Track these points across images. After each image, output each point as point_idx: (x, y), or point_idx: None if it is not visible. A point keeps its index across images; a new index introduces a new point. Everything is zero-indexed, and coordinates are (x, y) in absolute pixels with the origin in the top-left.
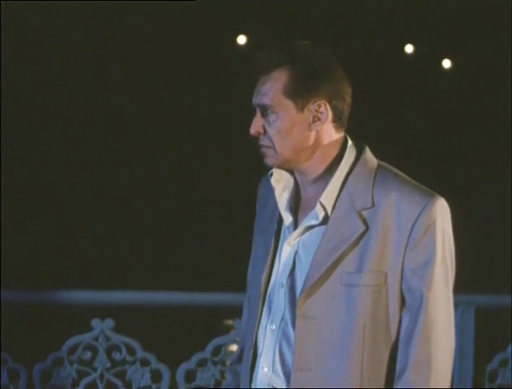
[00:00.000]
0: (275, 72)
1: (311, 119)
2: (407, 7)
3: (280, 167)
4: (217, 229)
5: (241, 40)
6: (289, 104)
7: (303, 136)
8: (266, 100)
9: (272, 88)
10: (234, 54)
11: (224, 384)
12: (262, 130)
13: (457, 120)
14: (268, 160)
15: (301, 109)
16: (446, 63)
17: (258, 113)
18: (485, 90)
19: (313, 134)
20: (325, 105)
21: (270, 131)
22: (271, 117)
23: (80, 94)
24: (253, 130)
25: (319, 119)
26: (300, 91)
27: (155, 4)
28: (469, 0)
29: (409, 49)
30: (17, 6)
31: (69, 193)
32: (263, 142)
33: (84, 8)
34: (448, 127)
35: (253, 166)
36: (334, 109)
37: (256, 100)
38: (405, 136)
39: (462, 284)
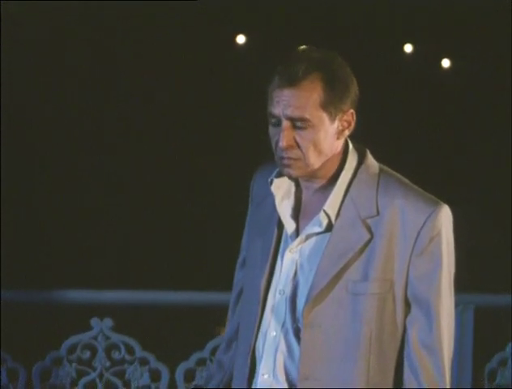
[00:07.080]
0: (305, 82)
1: (340, 128)
2: (406, 6)
3: (302, 177)
4: (217, 228)
5: (241, 39)
6: (324, 117)
7: (332, 146)
8: (302, 113)
9: (308, 101)
10: (233, 54)
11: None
12: (294, 143)
13: (456, 120)
14: (294, 172)
15: (333, 120)
16: (445, 63)
17: (287, 125)
18: (485, 90)
19: (337, 143)
20: (352, 114)
21: (304, 144)
22: (307, 130)
23: (79, 94)
24: (285, 144)
25: (347, 128)
26: (335, 102)
27: (152, 4)
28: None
29: (408, 48)
30: (17, 7)
31: (65, 192)
32: (292, 154)
33: (82, 9)
34: (447, 127)
35: (250, 166)
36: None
37: (287, 112)
38: (403, 136)
39: (462, 284)
